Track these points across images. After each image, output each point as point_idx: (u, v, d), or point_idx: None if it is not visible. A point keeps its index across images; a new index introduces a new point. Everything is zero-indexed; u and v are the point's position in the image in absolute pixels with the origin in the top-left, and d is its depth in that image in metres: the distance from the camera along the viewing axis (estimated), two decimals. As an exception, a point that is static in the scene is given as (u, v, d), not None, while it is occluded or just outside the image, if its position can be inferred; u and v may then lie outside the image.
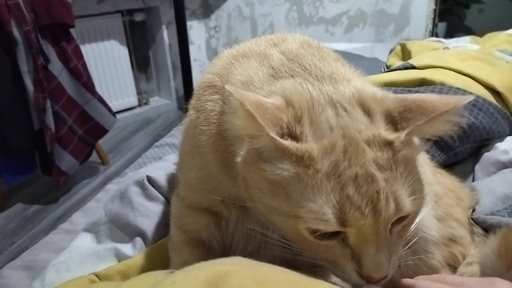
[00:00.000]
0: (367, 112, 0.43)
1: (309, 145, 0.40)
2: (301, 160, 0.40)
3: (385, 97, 0.44)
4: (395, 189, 0.40)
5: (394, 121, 0.42)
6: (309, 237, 0.41)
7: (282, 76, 0.48)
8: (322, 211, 0.39)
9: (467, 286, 0.41)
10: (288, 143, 0.40)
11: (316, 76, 0.47)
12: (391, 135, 0.41)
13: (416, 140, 0.45)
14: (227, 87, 0.42)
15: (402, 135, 0.41)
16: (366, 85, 0.47)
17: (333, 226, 0.39)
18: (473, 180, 0.86)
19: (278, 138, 0.40)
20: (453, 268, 0.61)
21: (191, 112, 0.57)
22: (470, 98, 0.42)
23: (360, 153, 0.40)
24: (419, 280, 0.43)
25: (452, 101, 0.42)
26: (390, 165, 0.40)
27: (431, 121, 0.42)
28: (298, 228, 0.41)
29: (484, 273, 0.56)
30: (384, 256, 0.41)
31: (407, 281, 0.44)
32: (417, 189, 0.42)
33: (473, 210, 0.71)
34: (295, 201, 0.40)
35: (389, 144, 0.41)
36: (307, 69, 0.48)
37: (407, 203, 0.41)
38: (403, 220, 0.43)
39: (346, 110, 0.43)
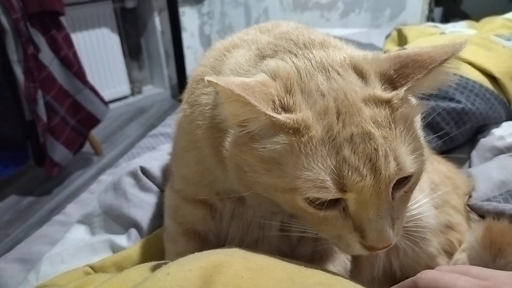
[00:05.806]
0: (361, 74, 0.42)
1: (305, 114, 0.39)
2: (298, 131, 0.39)
3: (376, 58, 0.44)
4: (395, 146, 0.38)
5: (390, 79, 0.42)
6: (309, 209, 0.40)
7: (267, 55, 0.47)
8: (320, 178, 0.38)
9: (496, 280, 0.36)
10: (284, 117, 0.39)
11: (304, 43, 0.46)
12: (387, 94, 0.40)
13: (413, 99, 0.44)
14: (207, 78, 0.39)
15: (401, 91, 0.40)
16: (357, 51, 0.47)
17: (332, 193, 0.38)
18: (470, 167, 0.86)
19: (275, 114, 0.39)
20: (450, 254, 0.62)
21: (185, 106, 0.55)
22: (465, 43, 0.41)
23: (355, 112, 0.39)
24: (443, 273, 0.38)
25: (449, 49, 0.41)
26: (389, 123, 0.39)
27: (431, 73, 0.40)
28: (296, 201, 0.40)
29: (470, 264, 0.56)
30: (387, 222, 0.40)
31: (430, 273, 0.39)
32: (418, 148, 0.41)
33: (470, 197, 0.71)
34: (290, 174, 0.39)
35: (386, 102, 0.40)
36: (293, 41, 0.47)
37: (408, 162, 0.39)
38: (404, 184, 0.42)
39: (339, 73, 0.42)
